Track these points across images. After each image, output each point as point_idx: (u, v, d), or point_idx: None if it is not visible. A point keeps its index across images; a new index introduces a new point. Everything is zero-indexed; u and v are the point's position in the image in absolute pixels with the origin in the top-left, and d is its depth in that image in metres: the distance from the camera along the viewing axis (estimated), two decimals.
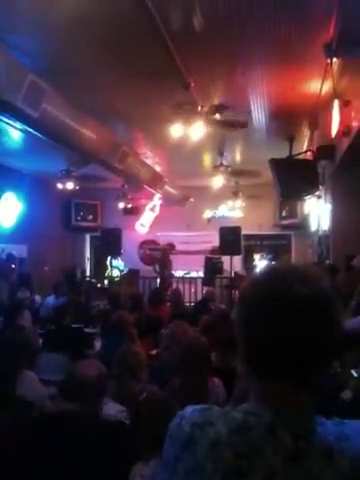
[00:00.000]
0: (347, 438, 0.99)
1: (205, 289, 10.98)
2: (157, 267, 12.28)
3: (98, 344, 5.83)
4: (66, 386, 2.47)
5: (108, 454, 2.19)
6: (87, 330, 6.54)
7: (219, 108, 6.37)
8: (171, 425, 1.09)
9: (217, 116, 6.39)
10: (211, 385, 3.38)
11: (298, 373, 1.01)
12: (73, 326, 6.17)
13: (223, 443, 0.98)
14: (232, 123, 6.67)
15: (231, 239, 10.27)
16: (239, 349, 1.08)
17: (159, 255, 12.77)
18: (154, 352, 5.17)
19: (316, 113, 6.37)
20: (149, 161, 10.15)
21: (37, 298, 9.20)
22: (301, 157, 7.37)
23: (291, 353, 0.99)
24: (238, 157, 10.01)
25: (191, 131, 6.12)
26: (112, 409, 3.00)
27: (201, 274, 12.31)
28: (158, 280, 12.11)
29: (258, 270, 1.17)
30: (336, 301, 1.04)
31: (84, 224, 13.63)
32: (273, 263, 1.23)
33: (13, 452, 2.18)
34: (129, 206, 12.68)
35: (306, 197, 8.73)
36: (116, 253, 11.60)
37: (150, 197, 12.64)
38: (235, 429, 0.99)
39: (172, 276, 12.44)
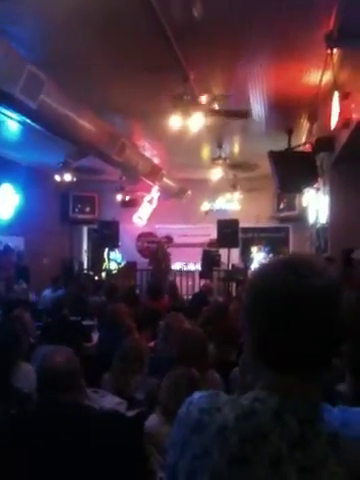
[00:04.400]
0: (351, 424, 0.99)
1: (202, 282, 10.98)
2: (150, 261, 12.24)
3: (96, 336, 5.82)
4: (39, 378, 2.44)
5: (103, 444, 2.17)
6: (85, 323, 6.53)
7: (218, 99, 6.32)
8: (180, 411, 1.10)
9: (216, 107, 6.35)
10: (209, 377, 3.38)
11: (310, 367, 1.00)
12: (71, 319, 6.15)
13: (230, 428, 0.99)
14: (233, 113, 6.64)
15: (229, 232, 10.27)
16: (248, 343, 1.07)
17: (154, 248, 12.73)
18: (152, 344, 5.16)
19: (316, 105, 6.34)
20: (147, 153, 10.12)
21: (33, 296, 9.05)
22: (300, 149, 7.34)
23: (307, 348, 0.98)
24: (237, 149, 9.97)
25: (190, 123, 6.08)
26: (110, 402, 2.98)
27: (199, 267, 12.30)
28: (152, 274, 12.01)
29: (261, 263, 1.15)
30: (343, 292, 1.03)
31: (81, 216, 13.55)
32: (277, 255, 1.17)
33: (10, 446, 2.16)
34: (127, 198, 12.62)
35: (304, 189, 8.72)
36: (113, 246, 11.57)
37: (148, 190, 12.60)
38: (242, 415, 1.00)
39: (170, 269, 12.40)
